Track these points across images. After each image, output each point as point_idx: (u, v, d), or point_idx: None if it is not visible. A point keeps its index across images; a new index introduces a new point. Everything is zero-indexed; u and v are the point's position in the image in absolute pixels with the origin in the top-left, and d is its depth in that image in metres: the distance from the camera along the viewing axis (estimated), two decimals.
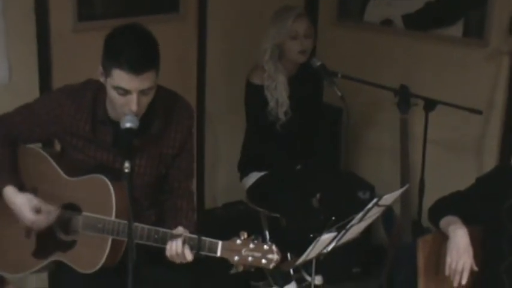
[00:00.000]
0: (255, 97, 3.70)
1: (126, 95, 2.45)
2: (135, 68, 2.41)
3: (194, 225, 2.68)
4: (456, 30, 3.88)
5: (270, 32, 3.69)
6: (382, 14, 4.21)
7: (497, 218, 2.66)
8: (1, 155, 2.67)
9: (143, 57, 2.44)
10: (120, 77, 2.43)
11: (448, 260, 2.64)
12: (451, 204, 2.79)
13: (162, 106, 2.64)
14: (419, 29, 4.07)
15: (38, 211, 2.60)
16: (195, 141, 3.02)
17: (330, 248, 2.85)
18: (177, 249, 2.45)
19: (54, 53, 3.53)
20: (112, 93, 2.49)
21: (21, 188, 2.64)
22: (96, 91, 2.63)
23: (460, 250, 2.63)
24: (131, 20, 2.58)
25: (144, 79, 2.44)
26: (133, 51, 2.42)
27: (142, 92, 2.46)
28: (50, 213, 2.62)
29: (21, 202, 2.60)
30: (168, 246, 2.48)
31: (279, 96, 3.68)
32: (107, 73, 2.48)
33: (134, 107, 2.45)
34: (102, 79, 2.53)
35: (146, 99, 2.51)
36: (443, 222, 2.74)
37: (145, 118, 2.56)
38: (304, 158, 3.87)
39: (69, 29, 3.60)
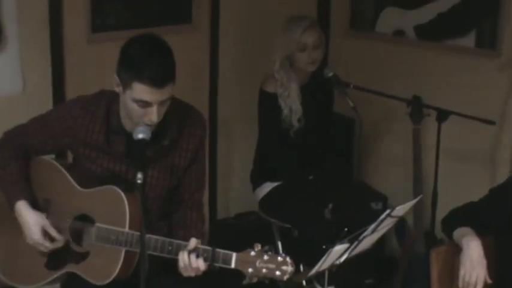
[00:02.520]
0: (269, 105, 3.71)
1: (146, 107, 2.46)
2: (157, 82, 2.41)
3: (203, 236, 2.66)
4: (468, 41, 3.88)
5: (278, 43, 3.68)
6: (394, 25, 4.21)
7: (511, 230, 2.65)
8: (14, 167, 2.67)
9: (164, 70, 2.44)
10: (142, 91, 2.42)
11: (462, 272, 2.63)
12: (464, 216, 2.78)
13: (174, 117, 2.64)
14: (431, 40, 4.06)
15: (45, 234, 2.61)
16: (207, 150, 3.01)
17: (342, 259, 2.85)
18: (191, 261, 2.45)
19: (68, 64, 3.56)
20: (131, 105, 2.48)
21: (34, 201, 2.65)
22: (109, 102, 2.63)
23: (473, 262, 2.61)
24: (144, 31, 2.58)
25: (165, 91, 2.45)
26: (154, 65, 2.42)
27: (161, 103, 2.47)
28: (56, 242, 2.63)
29: (34, 220, 2.61)
30: (180, 258, 2.47)
31: (292, 103, 3.68)
32: (125, 85, 2.47)
33: (155, 118, 2.46)
34: (117, 89, 2.53)
35: (163, 109, 2.52)
36: (457, 233, 2.73)
37: (158, 129, 2.56)
38: (317, 166, 3.86)
39: (83, 40, 3.62)
